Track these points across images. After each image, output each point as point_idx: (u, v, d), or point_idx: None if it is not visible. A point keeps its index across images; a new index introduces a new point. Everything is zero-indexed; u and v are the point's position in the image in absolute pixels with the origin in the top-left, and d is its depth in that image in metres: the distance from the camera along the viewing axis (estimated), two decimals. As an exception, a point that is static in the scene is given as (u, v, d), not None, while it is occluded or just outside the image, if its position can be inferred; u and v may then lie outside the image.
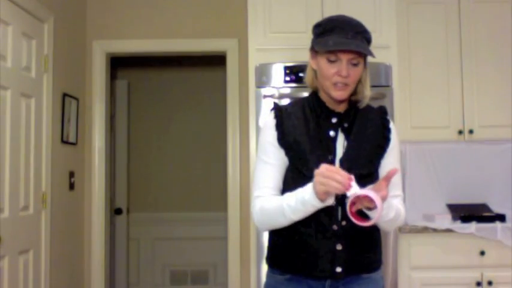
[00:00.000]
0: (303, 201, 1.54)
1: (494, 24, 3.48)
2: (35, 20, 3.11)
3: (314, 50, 1.66)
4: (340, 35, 1.57)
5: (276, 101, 3.03)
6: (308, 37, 3.25)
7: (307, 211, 1.56)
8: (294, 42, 3.18)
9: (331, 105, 1.69)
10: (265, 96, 3.08)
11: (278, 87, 3.10)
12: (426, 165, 3.63)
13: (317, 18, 3.22)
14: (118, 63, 4.85)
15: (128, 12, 3.94)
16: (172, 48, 3.95)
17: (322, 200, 1.50)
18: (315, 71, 1.70)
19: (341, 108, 1.69)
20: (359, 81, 1.66)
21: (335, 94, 1.62)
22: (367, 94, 1.68)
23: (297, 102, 1.75)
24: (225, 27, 3.92)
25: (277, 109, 1.72)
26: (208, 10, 3.94)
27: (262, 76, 3.11)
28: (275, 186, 1.68)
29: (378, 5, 3.23)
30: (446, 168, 3.64)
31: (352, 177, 1.45)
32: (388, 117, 1.75)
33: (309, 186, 1.53)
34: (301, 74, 3.10)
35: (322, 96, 1.70)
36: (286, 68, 3.11)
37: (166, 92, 5.38)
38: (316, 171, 1.48)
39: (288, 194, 1.61)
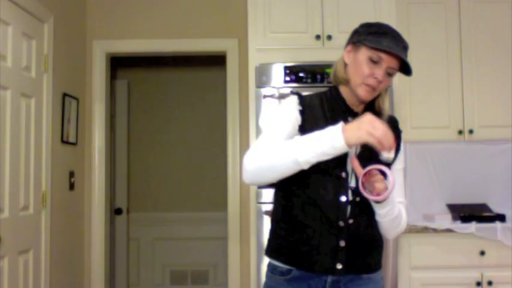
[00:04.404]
0: (324, 134, 1.49)
1: (494, 24, 3.48)
2: (35, 20, 3.11)
3: (356, 45, 1.66)
4: (393, 42, 1.60)
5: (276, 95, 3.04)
6: (308, 37, 3.24)
7: (320, 152, 1.48)
8: (294, 42, 3.18)
9: (350, 103, 1.70)
10: (265, 96, 3.08)
11: (278, 87, 3.10)
12: (426, 165, 3.64)
13: (317, 18, 3.23)
14: (118, 63, 4.85)
15: (127, 12, 3.94)
16: (173, 48, 3.95)
17: (349, 146, 1.47)
18: (344, 66, 1.69)
19: (359, 109, 1.71)
20: (379, 93, 1.68)
21: (362, 93, 1.64)
22: (386, 107, 1.71)
23: (314, 95, 1.76)
24: (225, 27, 3.92)
25: (300, 96, 1.72)
26: (208, 10, 3.94)
27: (262, 76, 3.10)
28: None
29: (378, 5, 3.22)
30: (446, 168, 3.64)
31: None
32: (400, 127, 1.81)
33: (334, 128, 1.49)
34: (301, 74, 3.10)
35: (344, 92, 1.71)
36: (286, 68, 3.11)
37: (166, 92, 5.38)
38: (369, 120, 1.46)
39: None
